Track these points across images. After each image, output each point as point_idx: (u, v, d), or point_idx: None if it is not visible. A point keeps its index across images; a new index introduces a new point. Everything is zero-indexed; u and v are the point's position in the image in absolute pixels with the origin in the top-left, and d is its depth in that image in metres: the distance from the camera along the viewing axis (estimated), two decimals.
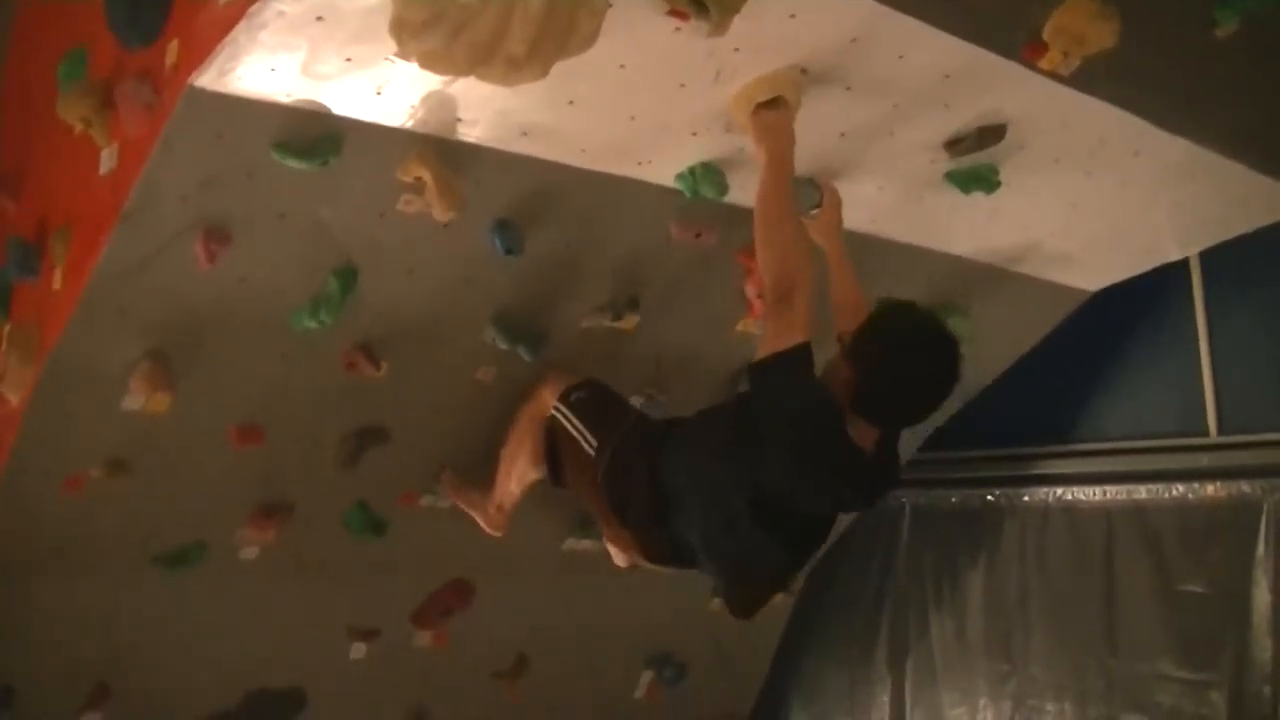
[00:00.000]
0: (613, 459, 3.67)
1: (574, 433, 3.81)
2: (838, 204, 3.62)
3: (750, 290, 4.18)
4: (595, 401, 3.92)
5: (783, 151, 3.20)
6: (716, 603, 4.56)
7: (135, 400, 3.65)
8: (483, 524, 4.34)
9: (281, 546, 4.33)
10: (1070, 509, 5.55)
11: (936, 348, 3.10)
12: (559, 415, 3.89)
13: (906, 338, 3.11)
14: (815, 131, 3.39)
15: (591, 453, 3.74)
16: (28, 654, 4.12)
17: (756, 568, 3.36)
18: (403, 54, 2.60)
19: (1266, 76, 3.70)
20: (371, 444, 4.22)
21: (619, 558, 4.03)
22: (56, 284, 3.50)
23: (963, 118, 3.60)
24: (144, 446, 3.83)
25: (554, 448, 3.93)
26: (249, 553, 4.32)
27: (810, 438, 3.06)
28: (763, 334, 3.17)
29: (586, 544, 4.45)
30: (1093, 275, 5.06)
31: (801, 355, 3.03)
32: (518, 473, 4.10)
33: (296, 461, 4.18)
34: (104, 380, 3.58)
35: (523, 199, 3.65)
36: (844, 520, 5.76)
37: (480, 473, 4.28)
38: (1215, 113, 3.79)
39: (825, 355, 3.14)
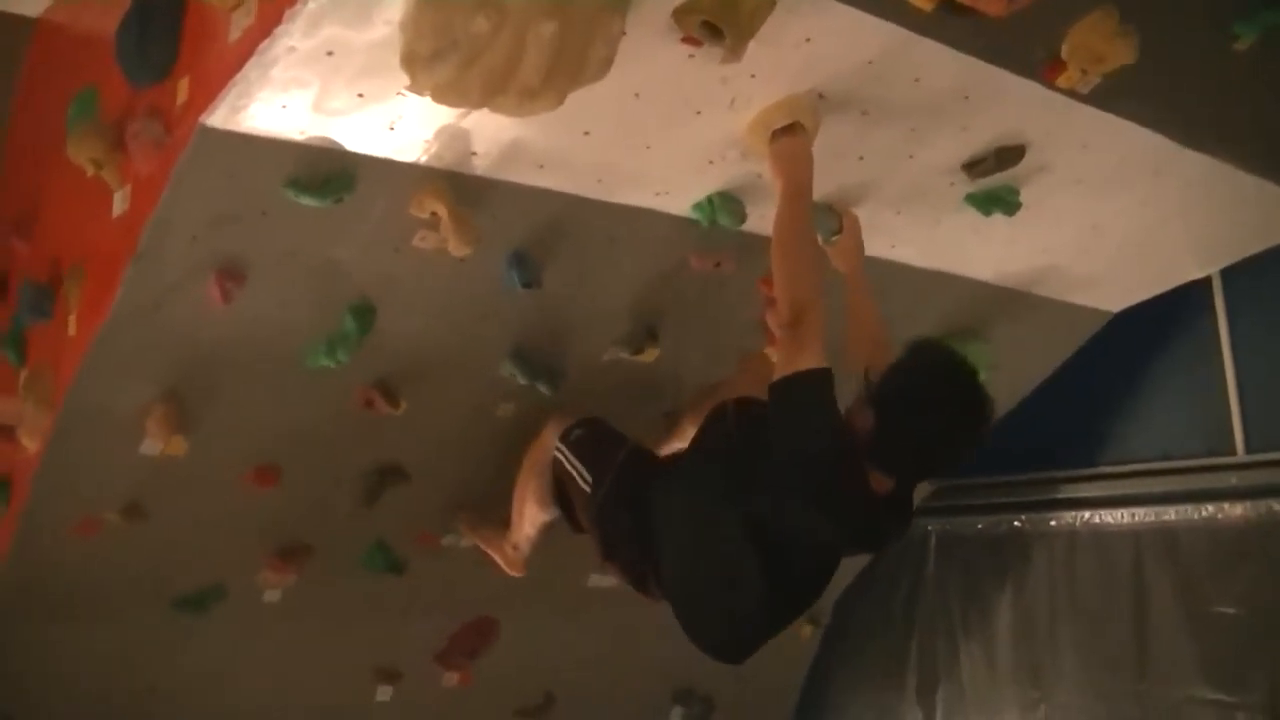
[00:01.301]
0: (606, 495, 3.61)
1: (573, 471, 3.74)
2: (857, 230, 3.58)
3: (771, 319, 4.12)
4: (592, 438, 3.82)
5: (801, 177, 3.15)
6: None
7: (153, 444, 3.64)
8: (501, 564, 4.32)
9: (302, 588, 4.31)
10: (1098, 532, 5.49)
11: (965, 407, 2.94)
12: (560, 456, 3.81)
13: (934, 395, 2.93)
14: (833, 156, 3.36)
15: (588, 490, 3.67)
16: (47, 698, 4.10)
17: (751, 611, 3.23)
18: (415, 87, 2.57)
19: None
20: (391, 483, 4.19)
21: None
22: (71, 330, 3.48)
23: (981, 139, 3.57)
24: (161, 490, 3.81)
25: (562, 490, 3.86)
26: (271, 595, 4.29)
27: (826, 477, 2.94)
28: (778, 360, 3.06)
29: (610, 580, 4.41)
30: (1114, 296, 5.03)
31: (824, 379, 2.91)
32: (529, 515, 4.04)
33: (315, 501, 4.15)
34: (121, 424, 3.57)
35: (539, 232, 3.62)
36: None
37: (500, 511, 4.22)
38: (1235, 128, 3.76)
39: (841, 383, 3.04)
